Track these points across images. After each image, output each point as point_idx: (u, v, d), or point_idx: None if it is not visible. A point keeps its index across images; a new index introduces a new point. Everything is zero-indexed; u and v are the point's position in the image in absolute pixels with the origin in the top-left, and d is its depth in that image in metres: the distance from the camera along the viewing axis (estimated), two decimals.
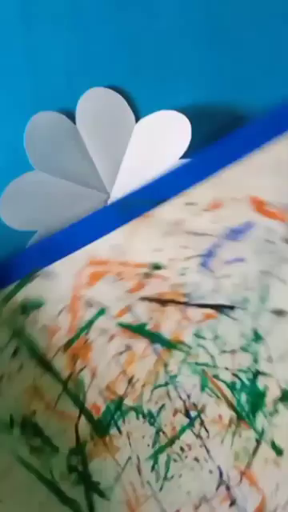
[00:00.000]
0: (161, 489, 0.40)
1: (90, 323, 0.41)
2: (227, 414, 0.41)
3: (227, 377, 0.41)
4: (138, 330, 0.41)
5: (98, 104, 0.44)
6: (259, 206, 0.42)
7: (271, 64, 0.45)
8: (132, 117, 0.44)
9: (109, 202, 0.44)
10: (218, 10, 0.44)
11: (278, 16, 0.45)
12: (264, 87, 0.45)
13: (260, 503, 0.40)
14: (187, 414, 0.40)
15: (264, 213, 0.42)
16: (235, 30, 0.45)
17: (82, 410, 0.40)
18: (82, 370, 0.41)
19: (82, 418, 0.40)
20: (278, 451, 0.40)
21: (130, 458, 0.40)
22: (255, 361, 0.40)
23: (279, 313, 0.41)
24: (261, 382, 0.40)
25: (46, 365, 0.41)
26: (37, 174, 0.44)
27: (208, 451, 0.40)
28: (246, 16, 0.45)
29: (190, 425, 0.40)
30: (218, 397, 0.41)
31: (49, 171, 0.44)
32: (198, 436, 0.40)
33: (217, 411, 0.41)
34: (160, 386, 0.41)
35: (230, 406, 0.41)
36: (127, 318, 0.41)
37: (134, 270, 0.41)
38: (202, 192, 0.42)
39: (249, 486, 0.40)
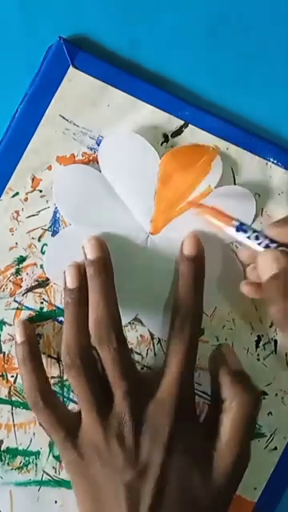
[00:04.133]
0: None
1: None
2: None
3: None
4: None
5: (118, 147, 0.43)
6: None
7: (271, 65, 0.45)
8: (155, 153, 0.44)
9: (149, 240, 0.44)
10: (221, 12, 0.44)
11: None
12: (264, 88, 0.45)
13: None
14: None
15: None
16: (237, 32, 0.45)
17: None
18: None
19: None
20: None
21: None
22: None
23: None
24: None
25: None
26: (73, 229, 0.44)
27: None
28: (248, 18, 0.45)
29: None
30: None
31: (84, 223, 0.44)
32: None
33: None
34: None
35: None
36: None
37: None
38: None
39: None
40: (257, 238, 0.41)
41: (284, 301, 0.37)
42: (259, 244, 0.40)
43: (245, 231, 0.41)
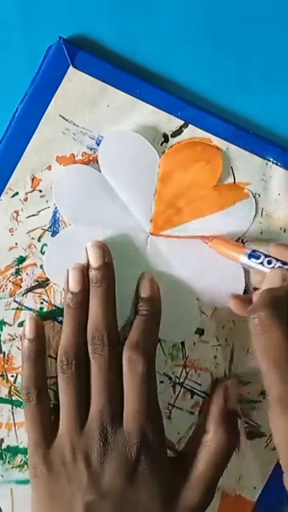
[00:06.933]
0: None
1: None
2: None
3: None
4: None
5: (118, 147, 0.43)
6: None
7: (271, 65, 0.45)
8: (155, 153, 0.44)
9: (149, 240, 0.44)
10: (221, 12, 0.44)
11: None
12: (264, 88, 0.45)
13: None
14: None
15: None
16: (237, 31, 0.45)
17: None
18: None
19: None
20: None
21: None
22: None
23: None
24: None
25: None
26: (73, 229, 0.44)
27: None
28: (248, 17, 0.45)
29: None
30: None
31: (84, 223, 0.44)
32: None
33: None
34: None
35: None
36: None
37: None
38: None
39: None
40: (269, 262, 0.41)
41: (264, 309, 0.37)
42: (272, 268, 0.41)
43: (257, 257, 0.41)
